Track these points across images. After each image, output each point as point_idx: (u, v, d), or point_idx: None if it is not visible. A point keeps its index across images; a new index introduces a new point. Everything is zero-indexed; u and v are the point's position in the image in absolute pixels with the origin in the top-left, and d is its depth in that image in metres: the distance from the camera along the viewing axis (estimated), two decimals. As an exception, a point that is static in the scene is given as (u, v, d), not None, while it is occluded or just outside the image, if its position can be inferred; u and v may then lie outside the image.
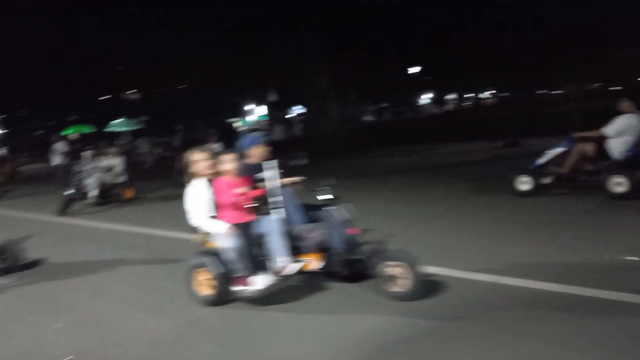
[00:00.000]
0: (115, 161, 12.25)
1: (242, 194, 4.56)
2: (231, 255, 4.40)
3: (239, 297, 4.54)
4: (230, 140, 24.18)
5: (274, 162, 4.69)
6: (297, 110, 41.73)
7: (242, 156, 4.87)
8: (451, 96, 53.76)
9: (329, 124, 19.32)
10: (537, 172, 8.26)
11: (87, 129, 34.95)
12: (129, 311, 4.81)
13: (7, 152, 35.71)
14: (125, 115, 34.20)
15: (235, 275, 4.48)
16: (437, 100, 51.19)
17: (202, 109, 26.22)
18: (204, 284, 4.62)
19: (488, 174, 10.87)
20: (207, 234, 4.67)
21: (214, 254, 4.59)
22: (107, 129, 33.18)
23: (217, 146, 13.75)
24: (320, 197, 4.81)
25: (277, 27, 18.02)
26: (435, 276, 4.73)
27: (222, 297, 4.56)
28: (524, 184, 8.22)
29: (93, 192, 11.50)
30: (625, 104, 7.69)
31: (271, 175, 4.63)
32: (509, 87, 18.42)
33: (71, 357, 3.89)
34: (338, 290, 4.74)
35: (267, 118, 33.17)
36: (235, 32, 19.05)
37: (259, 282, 4.38)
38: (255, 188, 4.71)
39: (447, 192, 9.60)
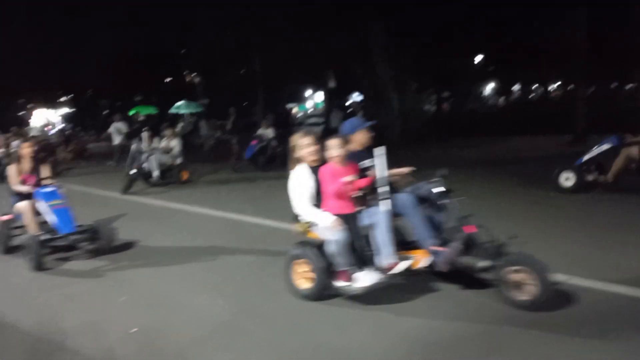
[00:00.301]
0: (173, 143, 12.43)
1: (349, 183, 4.20)
2: (334, 248, 4.10)
3: (341, 293, 4.27)
4: (284, 125, 24.42)
5: (383, 149, 4.30)
6: (354, 97, 41.55)
7: (345, 142, 4.50)
8: (516, 87, 51.83)
9: (387, 113, 19.04)
10: (581, 169, 8.11)
11: (150, 110, 36.24)
12: (197, 292, 4.93)
13: (76, 131, 37.43)
14: (187, 98, 35.14)
15: (338, 270, 4.20)
16: (502, 91, 49.49)
17: (262, 94, 26.36)
18: (303, 277, 4.39)
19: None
20: (309, 223, 4.41)
21: (316, 245, 4.34)
22: (170, 111, 34.17)
23: (269, 131, 13.89)
24: (434, 190, 4.42)
25: (338, 12, 17.86)
26: (562, 284, 4.22)
27: (322, 292, 4.30)
28: (568, 180, 8.17)
29: (155, 173, 11.74)
30: None
31: (380, 163, 4.28)
32: (579, 79, 17.31)
33: (135, 329, 4.05)
34: (447, 293, 4.39)
35: (323, 105, 33.12)
36: (297, 18, 19.02)
37: (364, 279, 4.10)
38: (362, 177, 4.37)
39: (521, 187, 9.23)
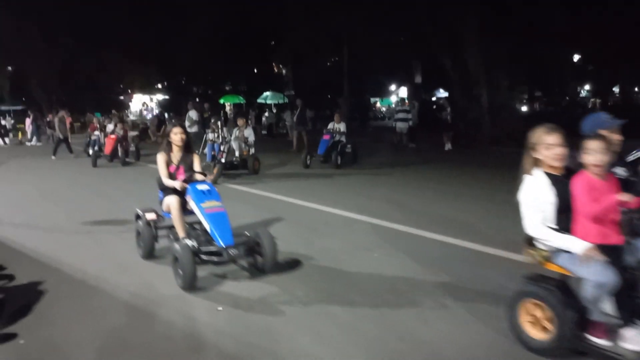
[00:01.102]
0: (247, 132, 12.14)
1: (621, 203, 3.07)
2: (591, 291, 2.96)
3: (598, 350, 3.09)
4: (362, 119, 23.98)
5: None
6: (439, 94, 40.59)
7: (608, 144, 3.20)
8: (616, 89, 48.30)
9: (475, 110, 18.45)
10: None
11: (238, 99, 37.47)
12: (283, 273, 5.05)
13: (171, 116, 39.37)
14: (274, 89, 35.96)
15: (592, 320, 3.07)
16: (599, 92, 46.29)
17: (348, 85, 26.46)
18: (537, 323, 3.31)
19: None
20: (548, 251, 3.27)
21: (558, 282, 3.27)
22: (257, 101, 35.10)
23: (341, 125, 13.13)
24: None
25: (433, 3, 17.49)
26: None
27: (564, 345, 3.17)
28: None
29: (229, 159, 11.55)
30: None
31: None
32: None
33: (220, 308, 4.19)
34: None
35: (407, 100, 32.66)
36: (389, 7, 18.84)
37: (636, 340, 2.95)
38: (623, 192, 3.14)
39: None
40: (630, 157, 3.59)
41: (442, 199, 8.74)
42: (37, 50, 29.37)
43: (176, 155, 5.36)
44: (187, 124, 17.56)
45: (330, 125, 13.29)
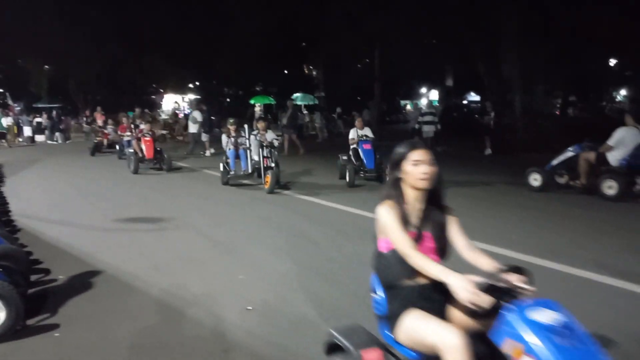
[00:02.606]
0: (269, 136, 10.45)
1: None
2: None
3: None
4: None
5: None
6: (471, 97, 40.08)
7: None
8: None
9: (509, 115, 18.13)
10: (550, 172, 9.41)
11: (268, 100, 37.72)
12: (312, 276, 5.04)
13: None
14: (304, 90, 36.07)
15: None
16: (636, 98, 45.04)
17: (379, 89, 26.29)
18: None
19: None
20: None
21: None
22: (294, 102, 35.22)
23: (366, 131, 11.33)
24: None
25: (471, 7, 17.28)
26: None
27: None
28: (535, 180, 9.48)
29: (249, 165, 10.54)
30: (628, 118, 8.72)
31: None
32: None
33: (250, 308, 4.22)
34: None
35: (437, 103, 32.37)
36: (426, 12, 18.71)
37: None
38: None
39: None
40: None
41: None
42: (80, 54, 30.18)
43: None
44: (190, 124, 17.86)
45: (352, 134, 11.13)
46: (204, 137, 17.38)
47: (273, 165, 9.91)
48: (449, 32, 19.32)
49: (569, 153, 9.26)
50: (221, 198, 9.46)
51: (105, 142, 17.87)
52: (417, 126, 16.86)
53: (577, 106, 38.73)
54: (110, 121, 19.58)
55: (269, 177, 9.55)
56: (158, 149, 13.43)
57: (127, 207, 8.53)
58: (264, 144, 10.05)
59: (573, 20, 16.71)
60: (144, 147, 13.11)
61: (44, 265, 5.27)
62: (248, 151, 10.53)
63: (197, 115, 17.49)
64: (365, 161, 10.47)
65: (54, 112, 26.00)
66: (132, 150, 13.39)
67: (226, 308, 4.22)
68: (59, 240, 6.32)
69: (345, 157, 11.01)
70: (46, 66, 35.70)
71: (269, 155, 10.03)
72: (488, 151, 16.48)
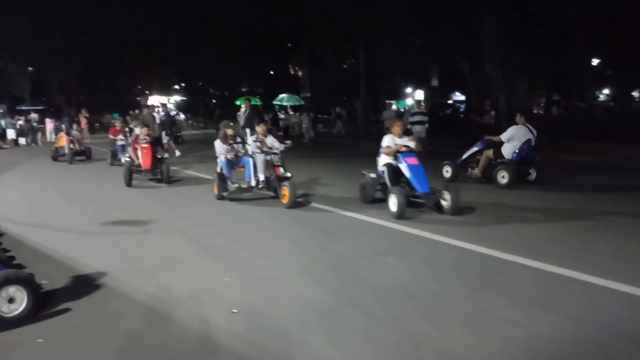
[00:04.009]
0: (269, 141, 9.12)
1: None
2: None
3: None
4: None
5: None
6: (456, 97, 40.35)
7: None
8: (636, 93, 47.53)
9: (484, 114, 18.31)
10: (460, 165, 10.89)
11: (254, 101, 37.62)
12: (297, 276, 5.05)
13: (187, 117, 39.64)
14: (290, 91, 36.08)
15: None
16: (617, 97, 45.68)
17: (364, 88, 26.40)
18: None
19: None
20: None
21: None
22: (273, 102, 35.22)
23: (409, 142, 10.63)
24: None
25: (451, 5, 17.38)
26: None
27: None
28: (447, 172, 10.93)
29: (259, 178, 8.94)
30: (519, 118, 10.35)
31: None
32: None
33: (235, 310, 4.21)
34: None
35: (423, 102, 32.54)
36: (407, 9, 18.78)
37: None
38: None
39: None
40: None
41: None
42: (59, 53, 29.91)
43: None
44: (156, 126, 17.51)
45: (388, 141, 8.26)
46: (164, 139, 16.47)
47: (289, 175, 8.56)
48: (429, 29, 19.42)
49: (475, 148, 10.74)
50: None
51: (69, 147, 15.66)
52: (408, 126, 16.71)
53: (561, 105, 39.17)
54: (76, 126, 17.39)
55: (286, 190, 8.22)
56: (159, 156, 11.67)
57: (110, 208, 8.47)
58: (270, 151, 8.77)
59: (550, 18, 16.92)
60: (140, 155, 11.17)
61: (27, 270, 5.21)
62: (251, 159, 9.01)
63: (155, 117, 17.15)
64: (415, 182, 7.60)
65: (31, 115, 25.70)
66: (128, 158, 11.79)
67: (211, 311, 4.21)
68: (42, 244, 6.25)
69: (373, 175, 8.44)
70: (29, 68, 35.30)
71: (280, 164, 8.69)
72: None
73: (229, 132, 9.63)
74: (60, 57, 30.22)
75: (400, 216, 7.17)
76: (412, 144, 8.16)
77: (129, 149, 12.06)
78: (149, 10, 30.09)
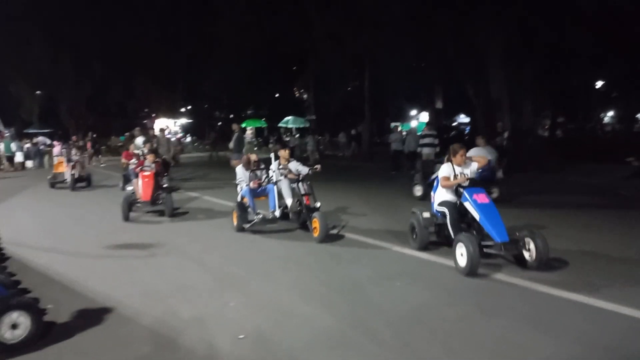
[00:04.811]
0: (293, 165, 8.31)
1: None
2: None
3: None
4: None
5: None
6: (460, 119, 40.45)
7: None
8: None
9: (497, 136, 18.25)
10: (430, 184, 10.59)
11: (259, 123, 37.90)
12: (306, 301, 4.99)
13: (193, 139, 39.85)
14: (295, 113, 36.31)
15: None
16: (623, 119, 45.65)
17: (369, 111, 26.55)
18: None
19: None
20: None
21: None
22: (279, 125, 35.46)
23: (470, 166, 10.90)
24: None
25: (455, 27, 17.50)
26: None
27: None
28: (418, 191, 11.50)
29: (283, 210, 8.04)
30: (479, 140, 11.18)
31: None
32: None
33: (241, 336, 4.16)
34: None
35: (426, 125, 32.72)
36: (412, 32, 18.95)
37: None
38: None
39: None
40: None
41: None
42: (69, 77, 30.38)
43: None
44: (134, 151, 17.35)
45: (446, 171, 6.66)
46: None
47: (318, 205, 7.75)
48: (434, 52, 19.56)
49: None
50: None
51: (71, 173, 14.54)
52: (418, 149, 16.46)
53: (566, 127, 39.17)
54: (75, 150, 15.90)
55: (317, 222, 7.33)
56: (164, 185, 10.64)
57: (117, 232, 8.45)
58: (297, 178, 7.95)
59: (556, 40, 16.99)
60: (140, 185, 9.73)
61: (32, 294, 5.18)
62: (275, 187, 8.05)
63: (140, 142, 16.42)
64: (489, 228, 5.85)
65: (38, 138, 25.95)
66: (130, 189, 10.49)
67: (218, 336, 4.16)
68: (49, 268, 6.24)
69: (427, 215, 6.69)
70: (38, 92, 35.79)
71: (309, 192, 7.90)
72: (499, 174, 15.23)
73: (253, 157, 8.59)
74: (70, 81, 30.69)
75: (472, 272, 5.50)
76: (474, 166, 6.70)
77: (134, 178, 10.48)
78: (157, 36, 30.58)
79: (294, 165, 8.25)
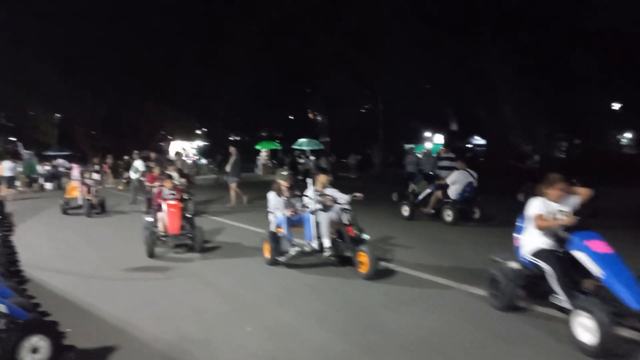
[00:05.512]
0: (331, 192, 7.48)
1: None
2: None
3: None
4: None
5: None
6: (475, 141, 40.33)
7: None
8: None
9: (509, 158, 18.25)
10: (416, 204, 12.09)
11: (274, 145, 38.17)
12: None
13: (208, 162, 40.18)
14: (309, 135, 36.55)
15: None
16: (640, 141, 45.07)
17: (382, 133, 26.74)
18: None
19: None
20: None
21: None
22: (293, 147, 35.65)
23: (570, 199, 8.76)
24: None
25: (465, 51, 17.62)
26: None
27: None
28: (405, 211, 12.05)
29: (325, 242, 6.99)
30: (460, 164, 11.77)
31: None
32: None
33: None
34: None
35: (442, 147, 32.67)
36: (422, 57, 19.10)
37: None
38: None
39: None
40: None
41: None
42: (85, 100, 31.04)
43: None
44: (132, 174, 17.04)
45: (538, 208, 5.14)
46: None
47: (366, 236, 6.99)
48: (443, 75, 19.65)
49: (428, 190, 12.05)
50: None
51: (86, 198, 13.74)
52: (436, 171, 16.32)
53: (581, 149, 38.81)
54: (88, 174, 14.68)
55: (364, 256, 6.60)
56: (189, 215, 9.07)
57: (131, 254, 8.52)
58: (338, 205, 7.19)
59: (567, 63, 16.98)
60: (165, 216, 8.50)
61: (51, 317, 5.26)
62: (313, 216, 7.12)
63: (139, 165, 16.80)
64: (620, 291, 4.33)
65: (57, 160, 26.36)
66: (150, 219, 8.97)
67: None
68: (66, 291, 6.33)
69: (515, 266, 5.32)
70: (56, 114, 36.57)
71: (353, 222, 7.14)
72: (521, 197, 14.81)
73: (285, 183, 7.71)
74: (85, 104, 31.35)
75: (604, 352, 4.05)
76: (576, 201, 5.15)
77: (154, 207, 9.12)
78: (170, 59, 31.17)
79: (332, 192, 7.44)
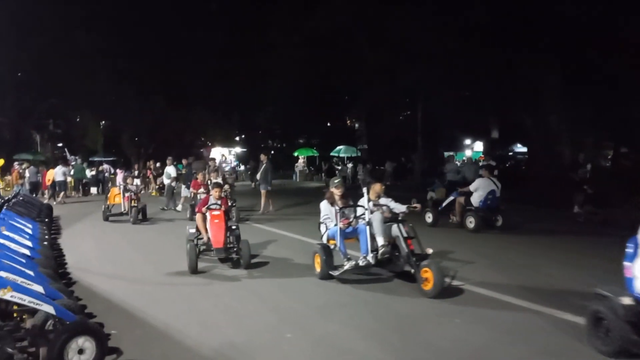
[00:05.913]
0: (384, 200, 7.21)
1: None
2: None
3: None
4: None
5: None
6: (517, 149, 39.42)
7: None
8: None
9: (555, 168, 17.65)
10: (440, 211, 12.20)
11: (311, 152, 38.35)
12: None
13: (246, 169, 40.69)
14: (347, 142, 36.59)
15: None
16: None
17: (421, 141, 26.47)
18: None
19: None
20: None
21: None
22: (331, 154, 35.75)
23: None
24: None
25: (511, 59, 17.25)
26: None
27: None
28: (429, 218, 12.16)
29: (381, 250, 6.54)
30: (483, 172, 11.92)
31: None
32: None
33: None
34: None
35: (481, 154, 32.10)
36: (466, 65, 18.83)
37: None
38: None
39: None
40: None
41: None
42: (132, 109, 32.00)
43: None
44: (164, 180, 17.51)
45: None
46: (185, 192, 15.82)
47: (430, 251, 6.42)
48: (489, 85, 19.28)
49: (451, 197, 12.09)
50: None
51: (132, 205, 13.46)
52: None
53: (630, 158, 37.38)
54: (130, 180, 14.70)
55: (429, 272, 6.01)
56: (233, 227, 8.30)
57: (177, 259, 8.60)
58: (395, 217, 6.73)
59: (615, 70, 16.38)
60: (209, 228, 7.91)
61: (97, 319, 5.39)
62: (368, 227, 6.64)
63: (172, 170, 17.07)
64: None
65: (103, 165, 27.12)
66: (193, 231, 8.24)
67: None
68: (112, 294, 6.46)
69: (628, 302, 4.17)
70: (102, 122, 37.78)
71: (412, 235, 6.59)
72: (577, 209, 13.98)
73: (338, 191, 7.21)
74: (133, 112, 32.28)
75: None
76: None
77: (198, 217, 8.23)
78: (214, 69, 31.83)
79: (386, 202, 7.06)
